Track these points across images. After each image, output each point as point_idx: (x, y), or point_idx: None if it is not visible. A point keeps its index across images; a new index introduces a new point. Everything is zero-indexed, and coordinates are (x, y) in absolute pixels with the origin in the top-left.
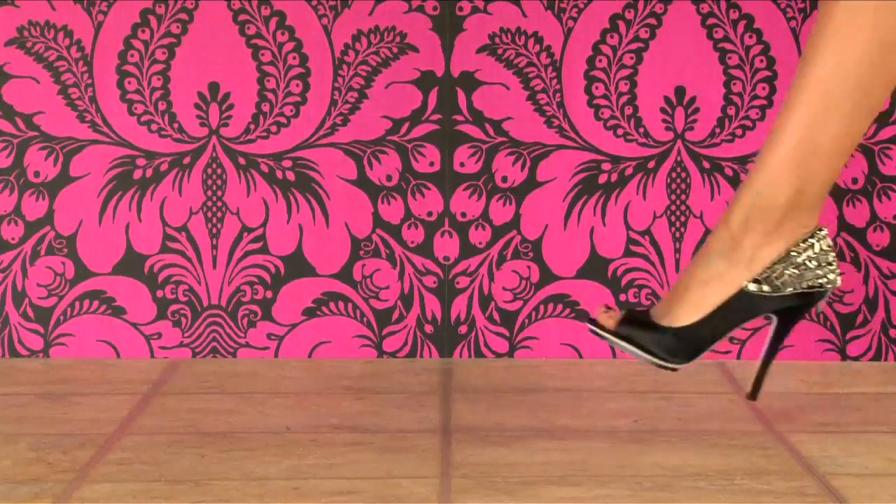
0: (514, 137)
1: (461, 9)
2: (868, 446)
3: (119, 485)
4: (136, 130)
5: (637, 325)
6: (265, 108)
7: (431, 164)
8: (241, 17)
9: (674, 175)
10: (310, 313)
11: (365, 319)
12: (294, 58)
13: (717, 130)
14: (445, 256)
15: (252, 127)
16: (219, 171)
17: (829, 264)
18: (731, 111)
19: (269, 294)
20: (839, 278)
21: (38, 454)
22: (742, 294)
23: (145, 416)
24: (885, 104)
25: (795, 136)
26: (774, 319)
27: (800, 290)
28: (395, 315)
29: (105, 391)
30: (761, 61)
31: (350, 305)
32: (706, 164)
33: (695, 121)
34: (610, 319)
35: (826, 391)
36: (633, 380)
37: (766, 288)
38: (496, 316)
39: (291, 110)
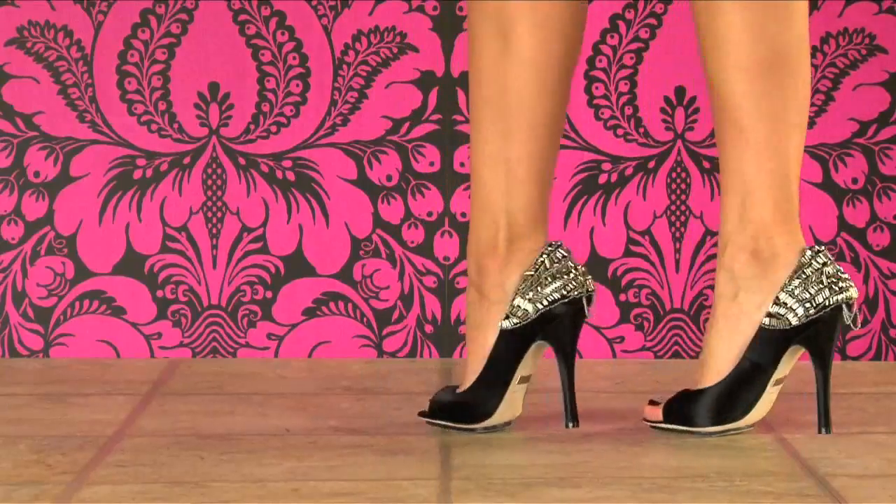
0: None
1: (461, 9)
2: (868, 447)
3: (118, 486)
4: (136, 130)
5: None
6: (265, 108)
7: (431, 164)
8: (241, 17)
9: (674, 175)
10: (310, 313)
11: (365, 319)
12: (294, 58)
13: None
14: (445, 256)
15: (252, 127)
16: (219, 171)
17: (568, 273)
18: None
19: (269, 294)
20: (589, 282)
21: (38, 456)
22: (502, 334)
23: (145, 417)
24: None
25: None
26: (546, 343)
27: (545, 308)
28: (395, 315)
29: (105, 391)
30: None
31: (350, 305)
32: (706, 164)
33: (695, 121)
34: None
35: None
36: (634, 380)
37: (514, 320)
38: None
39: (291, 110)
